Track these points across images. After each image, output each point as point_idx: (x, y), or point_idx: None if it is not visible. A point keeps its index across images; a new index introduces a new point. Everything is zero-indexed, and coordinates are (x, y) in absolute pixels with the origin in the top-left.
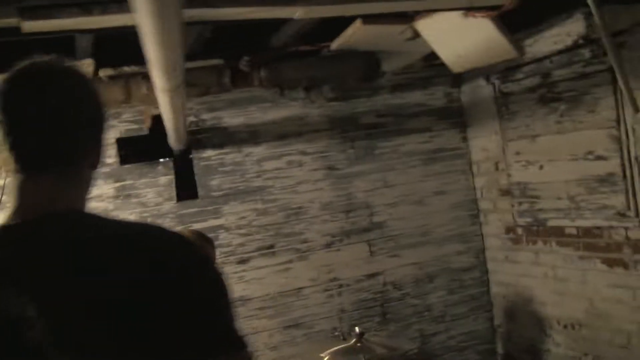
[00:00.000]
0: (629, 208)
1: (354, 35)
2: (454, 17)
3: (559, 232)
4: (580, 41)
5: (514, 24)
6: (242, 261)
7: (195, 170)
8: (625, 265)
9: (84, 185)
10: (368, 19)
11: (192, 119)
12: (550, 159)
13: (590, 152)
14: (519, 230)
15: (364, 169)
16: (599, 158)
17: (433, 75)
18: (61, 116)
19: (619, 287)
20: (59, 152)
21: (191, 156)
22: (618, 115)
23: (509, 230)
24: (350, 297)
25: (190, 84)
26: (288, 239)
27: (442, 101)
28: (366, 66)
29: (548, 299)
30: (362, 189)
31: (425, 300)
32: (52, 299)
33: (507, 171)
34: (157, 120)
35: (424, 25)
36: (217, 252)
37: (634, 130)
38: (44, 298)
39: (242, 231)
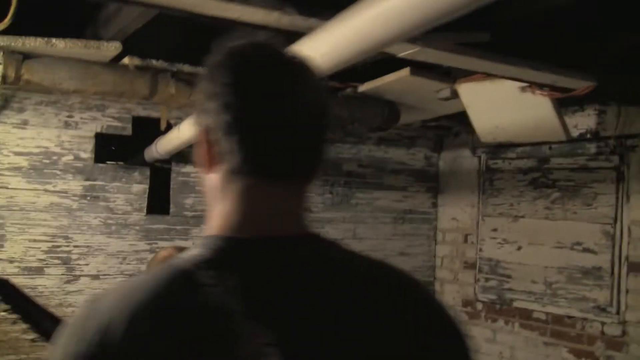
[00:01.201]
0: (610, 304)
1: (393, 82)
2: (505, 88)
3: (525, 314)
4: (588, 135)
5: None
6: None
7: (172, 184)
8: (595, 359)
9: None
10: (416, 69)
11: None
12: (532, 242)
13: (578, 243)
14: (479, 306)
15: (338, 217)
16: (588, 251)
17: (417, 136)
18: (314, 116)
19: None
20: (307, 158)
21: (170, 168)
22: (616, 214)
23: (467, 303)
24: None
25: None
26: None
27: (421, 163)
28: (387, 114)
29: None
30: (332, 236)
31: None
32: (301, 335)
33: (478, 245)
34: (141, 122)
35: (466, 88)
36: None
37: (630, 230)
38: (290, 342)
39: None
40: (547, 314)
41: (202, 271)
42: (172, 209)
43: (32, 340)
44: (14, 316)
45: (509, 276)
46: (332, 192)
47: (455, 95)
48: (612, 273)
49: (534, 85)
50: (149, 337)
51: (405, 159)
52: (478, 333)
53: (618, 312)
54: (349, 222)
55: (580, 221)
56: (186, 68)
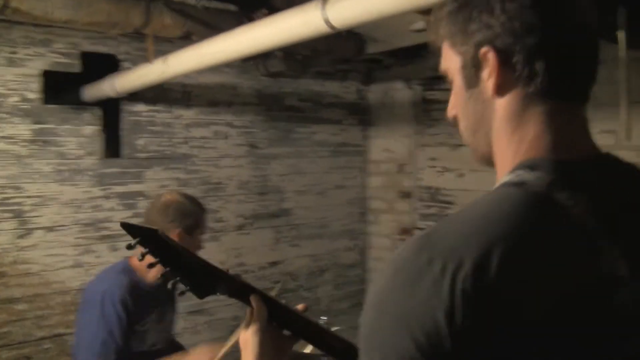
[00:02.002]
0: None
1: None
2: None
3: None
4: None
5: None
6: None
7: (123, 125)
8: None
9: None
10: None
11: (127, 65)
12: (474, 169)
13: None
14: (417, 232)
15: (281, 152)
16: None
17: (349, 69)
18: (595, 35)
19: None
20: (592, 80)
21: (120, 108)
22: None
23: (404, 231)
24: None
25: (210, 26)
26: None
27: (353, 96)
28: (355, 46)
29: None
30: (277, 172)
31: (315, 293)
32: None
33: (415, 175)
34: (92, 58)
35: None
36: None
37: None
38: (635, 254)
39: None
40: None
41: (558, 193)
42: (124, 151)
43: (181, 294)
44: (164, 270)
45: (450, 202)
46: (276, 127)
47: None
48: None
49: None
50: (532, 268)
51: (339, 92)
52: None
53: None
54: (292, 157)
55: None
56: None
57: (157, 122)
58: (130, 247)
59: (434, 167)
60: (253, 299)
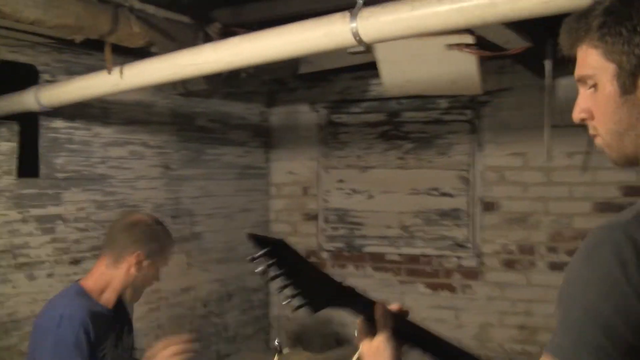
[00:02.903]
0: (468, 240)
1: None
2: (429, 45)
3: (378, 258)
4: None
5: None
6: (75, 261)
7: (41, 142)
8: (452, 289)
9: None
10: None
11: (46, 77)
12: (385, 191)
13: (435, 189)
14: (324, 255)
15: (192, 174)
16: (445, 195)
17: (254, 91)
18: None
19: (443, 308)
20: None
21: (39, 123)
22: (470, 161)
23: (311, 254)
24: (167, 311)
25: (170, 37)
26: None
27: (257, 118)
28: (291, 66)
29: (350, 320)
30: (189, 195)
31: (224, 319)
32: None
33: (322, 197)
34: (9, 68)
35: (383, 44)
36: (51, 248)
37: (483, 175)
38: None
39: (80, 225)
40: (400, 255)
41: None
42: (42, 171)
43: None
44: (284, 283)
45: (360, 224)
46: (188, 148)
47: (368, 49)
48: (469, 213)
49: (462, 46)
50: None
51: (245, 114)
52: None
53: (474, 246)
54: (202, 179)
55: (435, 169)
56: (148, 8)
57: (75, 140)
58: (253, 259)
59: (342, 189)
60: (379, 308)
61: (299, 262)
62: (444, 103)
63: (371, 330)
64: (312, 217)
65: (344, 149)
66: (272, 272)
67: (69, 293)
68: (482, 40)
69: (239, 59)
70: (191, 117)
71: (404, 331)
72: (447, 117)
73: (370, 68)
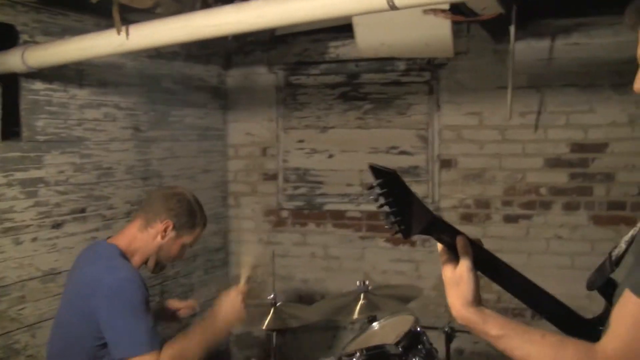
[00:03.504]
0: (427, 196)
1: None
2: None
3: (338, 215)
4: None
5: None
6: (57, 225)
7: (22, 104)
8: (412, 243)
9: None
10: None
11: (25, 37)
12: (345, 150)
13: (394, 147)
14: (284, 213)
15: (160, 135)
16: (404, 153)
17: (212, 53)
18: None
19: (403, 262)
20: None
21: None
22: (428, 121)
23: (270, 213)
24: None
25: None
26: (98, 202)
27: (215, 80)
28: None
29: (312, 276)
30: (157, 156)
31: (190, 279)
32: None
33: (281, 157)
34: None
35: None
36: (34, 212)
37: (440, 133)
38: None
39: (60, 188)
40: (361, 212)
41: None
42: (24, 133)
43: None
44: (389, 210)
45: (320, 182)
46: (155, 110)
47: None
48: (428, 170)
49: (438, 11)
50: None
51: (204, 76)
52: (285, 239)
53: (433, 202)
54: (168, 140)
55: (395, 128)
56: None
57: (54, 102)
58: (370, 187)
59: (302, 149)
60: (461, 239)
61: (405, 193)
62: (401, 65)
63: (453, 258)
64: (271, 177)
65: (303, 110)
66: (382, 200)
67: (114, 255)
68: (455, 6)
69: (264, 21)
70: (157, 79)
71: (482, 259)
72: (405, 79)
73: (328, 31)
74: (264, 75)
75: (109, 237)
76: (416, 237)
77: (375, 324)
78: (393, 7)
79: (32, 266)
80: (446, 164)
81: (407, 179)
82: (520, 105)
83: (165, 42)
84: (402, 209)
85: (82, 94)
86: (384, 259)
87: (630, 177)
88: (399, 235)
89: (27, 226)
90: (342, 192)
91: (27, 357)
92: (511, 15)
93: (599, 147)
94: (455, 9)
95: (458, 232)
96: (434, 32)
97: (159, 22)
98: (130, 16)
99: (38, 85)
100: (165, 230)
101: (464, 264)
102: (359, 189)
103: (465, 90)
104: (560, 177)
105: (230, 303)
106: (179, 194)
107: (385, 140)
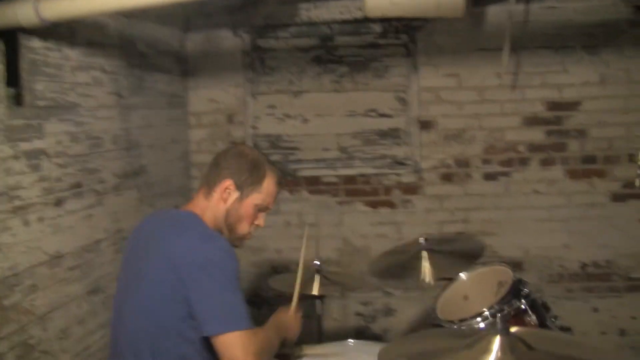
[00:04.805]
0: (407, 157)
1: None
2: None
3: (313, 181)
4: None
5: None
6: (59, 202)
7: (22, 64)
8: (392, 205)
9: None
10: None
11: None
12: (320, 114)
13: (372, 110)
14: None
15: (137, 102)
16: (383, 115)
17: (169, 14)
18: None
19: (384, 224)
20: None
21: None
22: (406, 83)
23: None
24: None
25: None
26: (91, 176)
27: (177, 44)
28: None
29: (286, 246)
30: (136, 125)
31: None
32: None
33: (250, 124)
34: None
35: None
36: (39, 188)
37: (419, 95)
38: None
39: (59, 160)
40: (338, 176)
41: None
42: (25, 98)
43: None
44: None
45: (294, 148)
46: (133, 74)
47: None
48: (407, 132)
49: None
50: None
51: (169, 40)
52: None
53: (414, 163)
54: (144, 107)
55: (372, 91)
56: None
57: (50, 63)
58: None
59: (273, 114)
60: None
61: None
62: (378, 28)
63: None
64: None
65: (273, 75)
66: None
67: (201, 223)
68: None
69: None
70: (133, 42)
71: None
72: (382, 41)
73: None
74: (228, 39)
75: (176, 207)
76: (397, 199)
77: (462, 274)
78: None
79: (40, 250)
80: (426, 125)
81: (387, 142)
82: (496, 66)
83: None
84: None
85: (74, 55)
86: (364, 223)
87: (602, 132)
88: None
89: (33, 204)
90: (319, 157)
91: (40, 353)
92: None
93: (573, 106)
94: None
95: None
96: None
97: None
98: None
99: (36, 42)
100: (226, 191)
101: None
102: (337, 153)
103: (442, 52)
104: (537, 135)
105: (290, 320)
106: (236, 148)
107: (363, 103)
